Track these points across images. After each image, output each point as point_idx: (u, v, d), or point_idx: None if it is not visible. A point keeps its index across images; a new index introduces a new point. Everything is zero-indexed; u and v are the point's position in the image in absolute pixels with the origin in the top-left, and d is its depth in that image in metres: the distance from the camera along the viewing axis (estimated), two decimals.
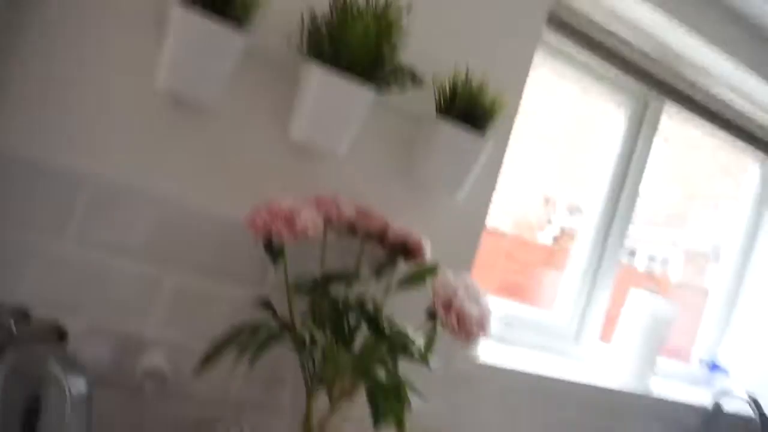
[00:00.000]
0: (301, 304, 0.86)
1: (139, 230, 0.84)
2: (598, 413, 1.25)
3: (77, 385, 0.59)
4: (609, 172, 1.44)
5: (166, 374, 0.85)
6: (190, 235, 0.87)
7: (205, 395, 0.90)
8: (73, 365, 0.60)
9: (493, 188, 1.06)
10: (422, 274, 0.87)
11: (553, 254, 2.02)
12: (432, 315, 0.79)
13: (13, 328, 0.61)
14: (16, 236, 0.78)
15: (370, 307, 0.84)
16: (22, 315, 0.65)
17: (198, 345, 0.87)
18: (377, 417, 0.79)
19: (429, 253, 0.91)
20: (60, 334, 0.65)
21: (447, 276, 0.79)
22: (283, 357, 0.89)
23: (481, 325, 0.77)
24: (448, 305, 0.75)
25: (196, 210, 0.86)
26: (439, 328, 0.82)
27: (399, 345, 0.81)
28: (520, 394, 1.16)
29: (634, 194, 1.45)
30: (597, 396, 1.24)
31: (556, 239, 2.16)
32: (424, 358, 0.82)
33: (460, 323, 0.75)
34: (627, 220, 1.45)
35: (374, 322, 0.81)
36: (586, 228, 1.45)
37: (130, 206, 0.83)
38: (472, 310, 0.76)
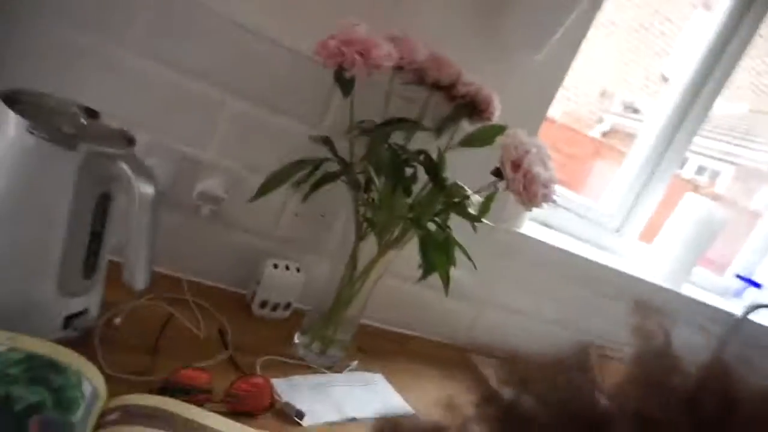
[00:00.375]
0: (359, 150, 0.84)
1: (204, 49, 0.80)
2: (627, 302, 1.26)
3: (147, 187, 0.59)
4: (692, 63, 1.31)
5: (221, 199, 0.86)
6: (255, 62, 0.82)
7: (256, 226, 0.92)
8: (143, 168, 0.60)
9: (574, 53, 0.97)
10: (490, 133, 0.82)
11: (600, 149, 1.93)
12: (498, 173, 0.76)
13: (85, 125, 0.60)
14: (77, 37, 0.75)
15: (432, 156, 0.80)
16: (92, 114, 0.64)
17: (253, 175, 0.87)
18: (427, 268, 0.80)
19: (497, 113, 0.86)
20: (128, 140, 0.63)
21: (519, 135, 0.74)
22: (334, 199, 0.89)
23: (547, 191, 0.74)
24: (518, 164, 0.72)
25: (264, 36, 0.81)
26: (499, 189, 0.79)
27: (456, 199, 0.79)
28: (555, 270, 1.17)
29: (713, 98, 1.33)
30: (629, 285, 1.24)
31: (605, 135, 2.05)
32: (478, 218, 0.81)
33: (527, 185, 0.72)
34: (696, 126, 1.35)
35: (435, 172, 0.78)
36: (650, 127, 1.36)
37: (194, 21, 0.78)
38: (540, 173, 0.72)
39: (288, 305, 0.92)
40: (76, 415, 0.50)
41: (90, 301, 0.64)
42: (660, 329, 0.24)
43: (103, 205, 0.61)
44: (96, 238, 0.62)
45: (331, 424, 0.73)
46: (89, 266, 0.62)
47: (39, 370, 0.51)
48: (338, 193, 0.85)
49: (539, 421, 0.22)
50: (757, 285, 1.56)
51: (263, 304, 0.90)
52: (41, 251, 0.58)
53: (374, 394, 0.84)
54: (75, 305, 0.62)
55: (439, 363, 1.03)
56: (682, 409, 0.20)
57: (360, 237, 0.84)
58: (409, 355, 1.02)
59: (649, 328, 0.24)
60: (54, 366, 0.53)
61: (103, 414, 0.54)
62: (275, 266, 0.90)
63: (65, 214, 0.57)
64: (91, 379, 0.55)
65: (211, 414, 0.59)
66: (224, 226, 0.90)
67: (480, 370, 1.06)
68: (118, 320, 0.71)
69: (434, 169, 0.78)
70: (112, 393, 0.56)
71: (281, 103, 0.86)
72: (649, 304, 0.24)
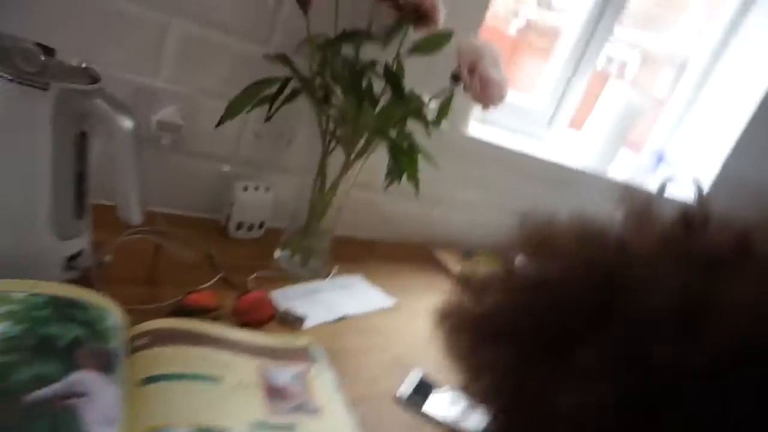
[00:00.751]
0: (314, 65, 0.85)
1: None
2: (561, 190, 1.39)
3: (126, 121, 0.59)
4: None
5: (181, 127, 0.86)
6: None
7: (219, 151, 0.93)
8: (118, 102, 0.59)
9: None
10: (437, 41, 0.85)
11: (518, 45, 2.00)
12: (455, 78, 0.80)
13: (46, 63, 0.58)
14: None
15: (390, 66, 0.83)
16: (48, 51, 0.61)
17: (209, 99, 0.86)
18: (395, 173, 0.86)
19: (442, 19, 0.89)
20: (92, 76, 0.62)
21: (473, 41, 0.78)
22: (293, 116, 0.91)
23: (501, 91, 0.80)
24: (473, 68, 0.77)
25: None
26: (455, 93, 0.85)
27: (416, 107, 0.84)
28: (497, 164, 1.26)
29: None
30: (562, 174, 1.37)
31: (520, 31, 2.11)
32: (437, 122, 0.86)
33: (483, 87, 0.77)
34: (615, 17, 1.43)
35: (395, 80, 0.81)
36: (570, 22, 1.44)
37: None
38: (494, 75, 0.78)
39: (262, 224, 0.96)
40: (113, 343, 0.54)
41: (84, 241, 0.65)
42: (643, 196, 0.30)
43: (81, 145, 0.61)
44: (80, 178, 0.62)
45: (328, 323, 0.80)
46: (79, 207, 0.62)
47: (64, 309, 0.54)
48: (296, 109, 0.87)
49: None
50: (667, 161, 1.75)
51: (239, 226, 0.93)
52: (32, 199, 0.58)
53: (358, 292, 0.92)
54: (72, 247, 0.63)
55: (407, 260, 1.13)
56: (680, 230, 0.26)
57: (326, 151, 0.88)
58: (380, 257, 1.10)
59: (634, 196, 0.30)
60: (75, 304, 0.55)
61: (131, 341, 0.58)
62: (245, 188, 0.93)
63: (48, 158, 0.57)
64: (111, 311, 0.58)
65: (232, 329, 0.65)
66: (187, 154, 0.90)
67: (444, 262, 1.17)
68: (108, 257, 0.73)
69: (394, 77, 0.82)
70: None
71: (226, 22, 0.84)
72: (633, 187, 0.31)
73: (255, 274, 0.83)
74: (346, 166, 0.89)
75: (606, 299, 0.24)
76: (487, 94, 0.78)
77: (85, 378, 0.49)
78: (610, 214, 0.29)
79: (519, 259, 0.31)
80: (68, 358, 0.49)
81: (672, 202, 0.30)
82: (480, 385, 0.28)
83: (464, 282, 0.32)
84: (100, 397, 0.48)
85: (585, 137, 1.49)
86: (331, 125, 0.86)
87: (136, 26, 0.79)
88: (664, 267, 0.24)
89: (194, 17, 0.82)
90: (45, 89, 0.54)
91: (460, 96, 0.84)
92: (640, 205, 0.29)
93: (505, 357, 0.27)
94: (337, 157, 0.90)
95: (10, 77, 0.53)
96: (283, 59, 0.82)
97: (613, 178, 1.49)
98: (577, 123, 1.54)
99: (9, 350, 0.48)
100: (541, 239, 0.30)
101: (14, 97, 0.54)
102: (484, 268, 0.32)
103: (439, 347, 0.30)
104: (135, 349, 0.57)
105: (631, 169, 1.71)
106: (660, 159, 1.76)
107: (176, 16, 0.81)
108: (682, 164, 1.76)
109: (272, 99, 0.81)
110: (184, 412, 0.53)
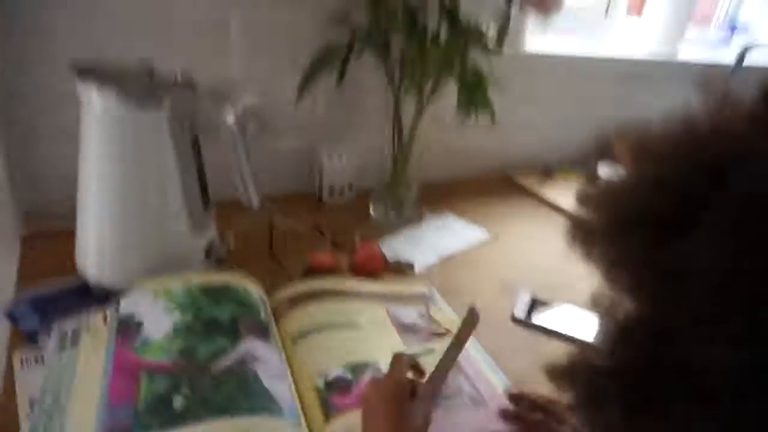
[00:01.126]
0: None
1: None
2: (632, 85, 1.34)
3: (228, 116, 0.64)
4: None
5: (262, 111, 0.91)
6: None
7: (299, 126, 0.98)
8: (218, 101, 0.65)
9: None
10: None
11: None
12: None
13: (153, 79, 0.64)
14: None
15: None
16: (151, 70, 0.66)
17: (279, 80, 0.90)
18: (468, 106, 0.87)
19: None
20: (191, 83, 0.67)
21: None
22: (362, 79, 0.93)
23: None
24: None
25: None
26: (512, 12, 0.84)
27: (475, 35, 0.84)
28: (560, 76, 1.23)
29: None
30: (629, 68, 1.31)
31: None
32: (499, 46, 0.86)
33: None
34: None
35: (451, 13, 0.82)
36: None
37: None
38: None
39: (351, 186, 1.01)
40: (262, 313, 0.61)
41: (213, 231, 0.72)
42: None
43: (195, 143, 0.67)
44: (201, 176, 0.68)
45: (434, 263, 0.85)
46: (205, 201, 0.69)
47: (216, 293, 0.61)
48: (362, 71, 0.89)
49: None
50: (740, 28, 1.63)
51: (331, 192, 0.99)
52: (169, 202, 0.65)
53: (454, 230, 0.96)
54: (206, 238, 0.70)
55: (490, 190, 1.15)
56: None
57: (397, 101, 0.90)
58: (465, 192, 1.12)
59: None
60: (224, 287, 0.62)
61: (275, 308, 0.65)
62: (329, 155, 0.97)
63: (174, 162, 0.63)
64: (253, 287, 0.65)
65: (355, 281, 0.71)
66: (271, 136, 0.95)
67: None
68: (232, 242, 0.80)
69: (452, 11, 0.82)
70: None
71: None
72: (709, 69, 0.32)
73: (358, 232, 0.89)
74: (419, 110, 0.91)
75: (718, 173, 0.26)
76: (546, 4, 0.77)
77: (250, 346, 0.56)
78: (689, 100, 0.31)
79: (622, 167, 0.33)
80: (233, 332, 0.56)
81: (755, 70, 0.31)
82: (621, 274, 0.31)
83: (584, 198, 0.34)
84: (267, 359, 0.55)
85: (647, 22, 1.41)
86: (398, 73, 0.88)
87: (199, 24, 0.83)
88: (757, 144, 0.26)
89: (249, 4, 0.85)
90: (160, 102, 0.60)
91: (513, 14, 0.84)
92: (720, 89, 0.31)
93: (638, 240, 0.30)
94: (408, 105, 0.92)
95: (130, 103, 0.59)
96: (342, 18, 0.84)
97: (685, 61, 1.41)
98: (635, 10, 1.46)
99: (186, 335, 0.55)
100: (641, 144, 0.32)
101: (136, 115, 0.60)
102: (596, 181, 0.34)
103: (576, 256, 0.33)
104: (281, 314, 0.64)
105: (703, 47, 1.61)
106: (733, 29, 1.64)
107: (234, 7, 0.85)
108: (759, 29, 1.63)
109: (342, 62, 0.84)
110: (336, 356, 0.59)
